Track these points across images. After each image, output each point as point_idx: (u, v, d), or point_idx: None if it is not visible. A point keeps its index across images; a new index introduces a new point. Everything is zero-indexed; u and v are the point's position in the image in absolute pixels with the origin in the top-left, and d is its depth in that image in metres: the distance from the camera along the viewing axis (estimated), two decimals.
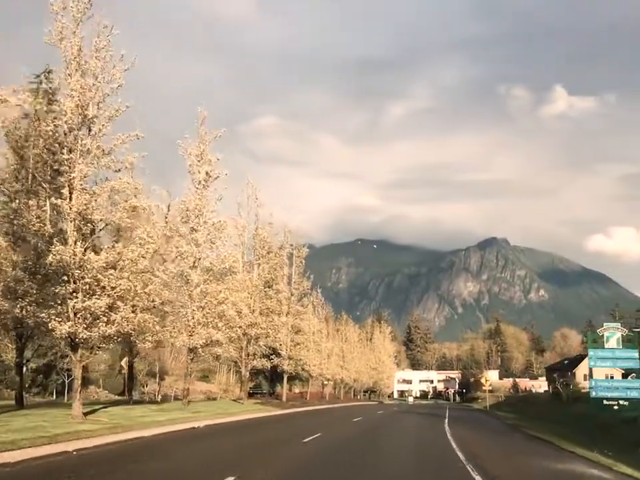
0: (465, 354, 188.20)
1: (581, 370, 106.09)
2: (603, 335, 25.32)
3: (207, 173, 28.41)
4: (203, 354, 29.20)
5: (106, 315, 18.52)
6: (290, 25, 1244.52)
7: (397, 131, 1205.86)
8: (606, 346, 25.19)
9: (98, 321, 18.39)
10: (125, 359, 34.24)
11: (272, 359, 36.67)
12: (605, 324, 27.10)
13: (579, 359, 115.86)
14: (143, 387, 58.17)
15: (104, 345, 20.16)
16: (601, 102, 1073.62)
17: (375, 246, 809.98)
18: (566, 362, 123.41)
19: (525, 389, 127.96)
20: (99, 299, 18.16)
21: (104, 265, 18.34)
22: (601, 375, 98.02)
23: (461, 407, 79.89)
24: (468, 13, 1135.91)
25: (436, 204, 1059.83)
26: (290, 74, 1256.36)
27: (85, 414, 20.25)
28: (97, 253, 18.79)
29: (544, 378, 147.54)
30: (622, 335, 24.93)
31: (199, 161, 28.44)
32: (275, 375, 47.34)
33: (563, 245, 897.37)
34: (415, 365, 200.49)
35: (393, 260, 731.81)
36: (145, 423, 19.81)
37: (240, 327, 33.82)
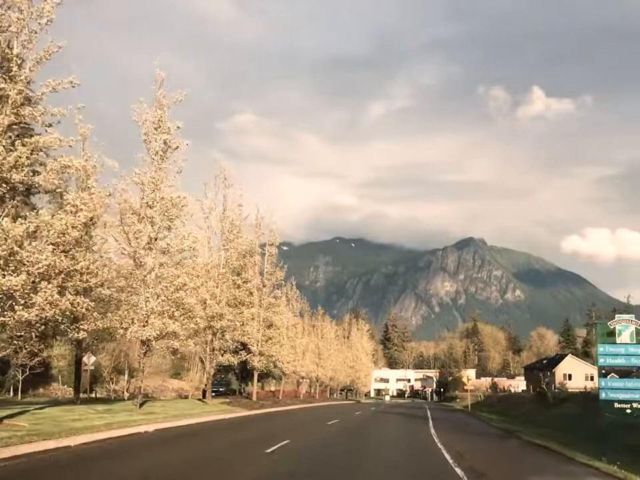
0: (442, 353, 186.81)
1: (561, 369, 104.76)
2: (614, 329, 22.31)
3: (165, 142, 24.87)
4: (157, 347, 25.64)
5: (24, 296, 15.03)
6: (268, 21, 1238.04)
7: (375, 130, 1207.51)
8: (617, 341, 22.19)
9: (13, 302, 14.89)
10: (88, 354, 30.55)
11: (240, 354, 33.20)
12: (617, 316, 24.13)
13: (558, 358, 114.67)
14: (109, 384, 54.37)
15: (25, 334, 16.56)
16: (578, 104, 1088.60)
17: (353, 245, 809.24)
18: (545, 361, 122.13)
19: (504, 388, 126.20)
20: (14, 275, 14.67)
21: (22, 234, 14.83)
22: (580, 374, 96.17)
23: (440, 407, 77.28)
24: (446, 13, 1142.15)
25: (414, 204, 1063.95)
26: (268, 71, 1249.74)
27: (3, 418, 16.71)
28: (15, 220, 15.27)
29: (522, 377, 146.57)
30: (636, 328, 21.98)
31: (155, 129, 24.89)
32: (245, 372, 43.95)
33: (539, 245, 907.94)
34: (392, 363, 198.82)
35: (370, 259, 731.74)
36: (74, 429, 16.31)
37: (202, 317, 30.38)
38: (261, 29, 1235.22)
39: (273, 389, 63.24)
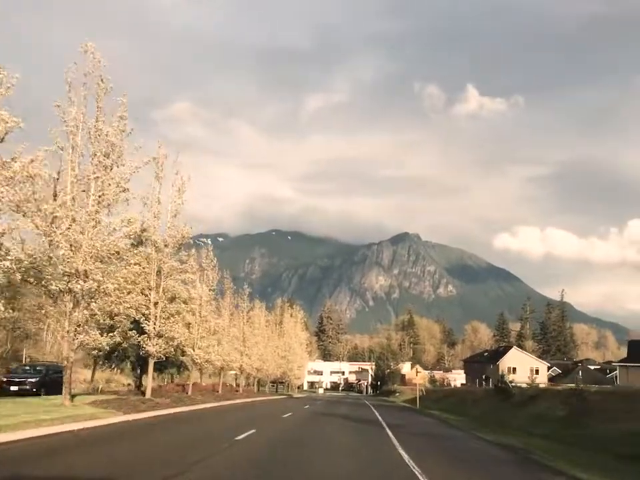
0: (377, 346, 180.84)
1: (505, 362, 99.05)
2: None
3: None
4: None
5: None
6: (207, 11, 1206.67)
7: (314, 124, 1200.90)
8: None
9: None
10: None
11: (113, 335, 22.50)
12: None
13: (502, 350, 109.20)
14: None
15: None
16: (510, 103, 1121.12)
17: (289, 237, 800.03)
18: (486, 354, 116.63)
19: (443, 381, 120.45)
20: None
21: None
22: (525, 367, 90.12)
23: (381, 403, 68.77)
24: (384, 9, 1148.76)
25: (351, 198, 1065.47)
26: (207, 61, 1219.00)
27: None
28: None
29: (458, 370, 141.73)
30: None
31: None
32: (143, 361, 33.38)
33: (472, 241, 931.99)
34: (327, 356, 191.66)
35: (307, 252, 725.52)
36: None
37: (57, 275, 19.91)
38: (201, 17, 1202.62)
39: (192, 382, 52.45)
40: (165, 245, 30.25)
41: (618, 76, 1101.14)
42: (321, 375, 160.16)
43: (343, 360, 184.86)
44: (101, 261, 21.67)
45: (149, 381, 29.90)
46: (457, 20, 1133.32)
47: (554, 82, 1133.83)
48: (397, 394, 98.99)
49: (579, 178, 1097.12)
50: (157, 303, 29.71)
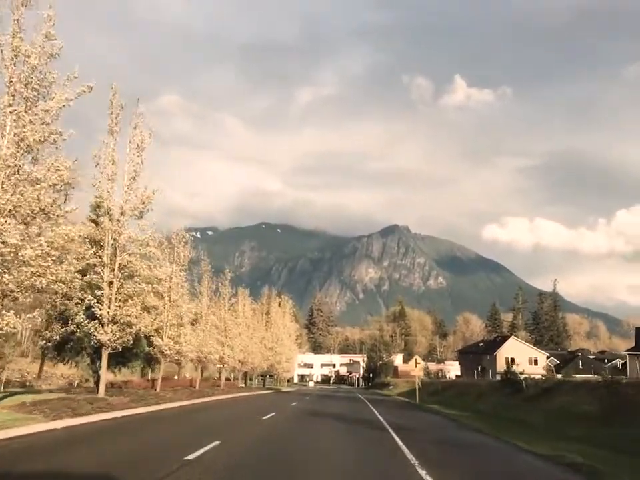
0: (368, 338, 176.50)
1: (502, 353, 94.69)
2: None
3: None
4: None
5: None
6: (195, 4, 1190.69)
7: (303, 117, 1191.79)
8: None
9: None
10: None
11: (34, 317, 17.09)
12: None
13: (500, 340, 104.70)
14: None
15: None
16: (498, 94, 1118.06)
17: (279, 230, 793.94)
18: (481, 344, 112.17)
19: (437, 373, 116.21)
20: None
21: None
22: (524, 358, 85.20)
23: (375, 396, 63.99)
24: (372, 2, 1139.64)
25: (340, 191, 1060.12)
26: (194, 53, 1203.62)
27: None
28: None
29: (451, 362, 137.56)
30: None
31: None
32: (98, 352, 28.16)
33: (461, 233, 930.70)
34: (317, 348, 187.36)
35: (296, 245, 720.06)
36: None
37: None
38: (188, 10, 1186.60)
39: (161, 376, 47.23)
40: (121, 213, 25.07)
41: (607, 67, 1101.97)
42: (312, 367, 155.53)
43: (333, 352, 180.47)
44: (21, 222, 16.53)
45: (103, 377, 24.74)
46: (446, 11, 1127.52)
47: (542, 73, 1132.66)
48: (391, 387, 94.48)
49: (567, 169, 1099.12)
50: (112, 282, 24.56)
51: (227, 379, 61.97)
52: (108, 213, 24.55)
